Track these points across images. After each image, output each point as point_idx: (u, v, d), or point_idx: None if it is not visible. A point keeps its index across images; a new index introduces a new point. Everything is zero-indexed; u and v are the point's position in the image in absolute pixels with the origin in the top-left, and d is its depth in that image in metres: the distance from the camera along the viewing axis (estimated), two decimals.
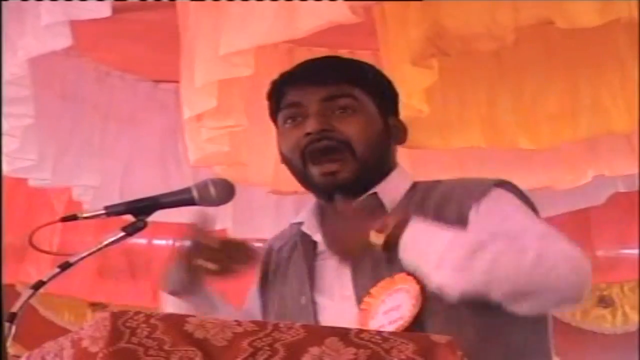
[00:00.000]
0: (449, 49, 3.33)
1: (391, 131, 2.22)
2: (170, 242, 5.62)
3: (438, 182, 2.22)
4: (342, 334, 1.74)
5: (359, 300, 2.09)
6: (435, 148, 4.04)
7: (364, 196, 2.17)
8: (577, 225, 5.22)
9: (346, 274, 2.14)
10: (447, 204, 2.11)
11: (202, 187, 2.15)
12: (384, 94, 2.25)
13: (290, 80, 2.24)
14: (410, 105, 3.35)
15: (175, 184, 4.00)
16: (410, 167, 4.15)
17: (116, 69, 4.62)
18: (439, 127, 3.94)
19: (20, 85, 3.76)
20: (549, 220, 4.76)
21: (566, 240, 2.01)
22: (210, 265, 2.15)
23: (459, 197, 2.11)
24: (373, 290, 2.07)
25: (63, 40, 3.48)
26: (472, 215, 2.08)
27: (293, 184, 2.28)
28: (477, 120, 3.97)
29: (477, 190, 2.11)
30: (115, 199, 4.45)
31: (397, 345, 1.75)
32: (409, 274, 2.02)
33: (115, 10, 3.45)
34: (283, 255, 2.30)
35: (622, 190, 4.54)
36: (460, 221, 2.07)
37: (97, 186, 4.53)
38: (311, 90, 2.19)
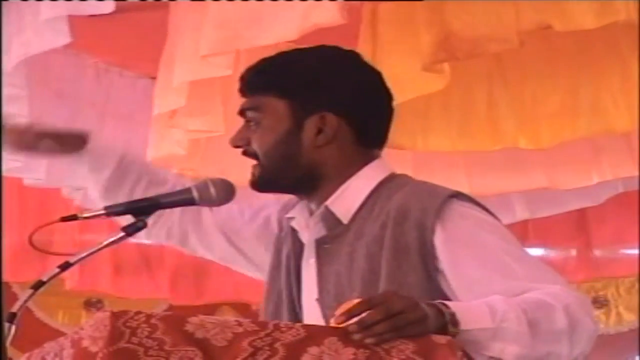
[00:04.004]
0: (458, 53, 3.31)
1: (305, 132, 2.16)
2: None
3: (401, 185, 2.16)
4: (341, 334, 1.75)
5: (324, 315, 2.10)
6: (434, 150, 4.02)
7: (321, 208, 2.17)
8: (576, 224, 5.23)
9: (315, 278, 2.17)
10: (403, 225, 2.07)
11: (202, 187, 2.15)
12: (304, 93, 2.18)
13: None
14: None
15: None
16: (414, 168, 4.16)
17: (115, 65, 4.61)
18: (439, 128, 3.93)
19: (13, 86, 3.74)
20: (549, 219, 4.79)
21: (551, 271, 2.07)
22: None
23: (415, 217, 2.06)
24: (337, 312, 2.01)
25: (62, 37, 3.46)
26: (439, 240, 2.05)
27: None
28: (477, 121, 3.96)
29: (432, 206, 2.07)
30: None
31: (397, 346, 1.75)
32: None
33: (115, 10, 3.44)
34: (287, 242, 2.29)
35: (621, 190, 4.53)
36: (423, 245, 2.05)
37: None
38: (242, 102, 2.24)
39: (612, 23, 3.23)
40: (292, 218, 2.25)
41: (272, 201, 2.40)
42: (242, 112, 2.21)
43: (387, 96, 2.24)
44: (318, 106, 2.15)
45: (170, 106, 3.54)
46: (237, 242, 2.38)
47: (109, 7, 3.33)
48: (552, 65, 3.87)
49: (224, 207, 2.30)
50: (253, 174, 2.19)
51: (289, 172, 2.17)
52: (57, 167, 4.38)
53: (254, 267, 2.40)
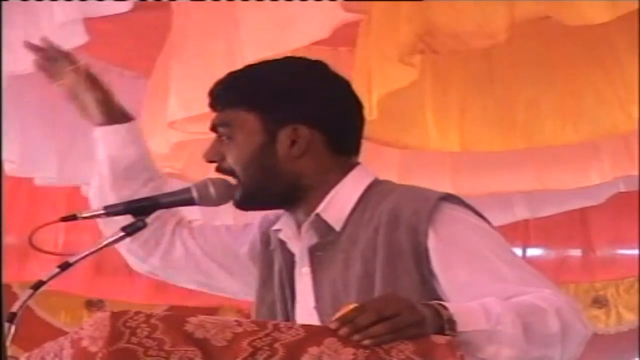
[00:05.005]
0: (439, 47, 3.30)
1: (278, 144, 2.15)
2: None
3: (391, 190, 2.17)
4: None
5: (322, 322, 2.08)
6: (420, 149, 4.01)
7: (311, 217, 2.16)
8: (576, 224, 5.23)
9: (310, 287, 2.16)
10: (396, 228, 2.07)
11: (202, 187, 2.15)
12: (273, 106, 2.17)
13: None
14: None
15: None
16: (406, 167, 4.15)
17: (115, 65, 4.61)
18: (427, 126, 3.92)
19: None
20: (549, 219, 4.78)
21: (541, 276, 2.06)
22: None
23: (408, 221, 2.07)
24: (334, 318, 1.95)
25: (78, 38, 3.45)
26: (432, 243, 2.05)
27: None
28: (452, 121, 3.95)
29: (424, 210, 2.07)
30: None
31: (397, 346, 1.76)
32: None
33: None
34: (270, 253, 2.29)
35: (623, 189, 4.53)
36: (417, 249, 2.05)
37: None
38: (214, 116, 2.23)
39: (614, 19, 3.20)
40: (278, 230, 2.24)
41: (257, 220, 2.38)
42: (213, 128, 2.21)
43: (356, 104, 2.24)
44: (289, 118, 2.16)
45: (199, 110, 3.52)
46: (226, 262, 2.36)
47: (124, 6, 3.31)
48: (549, 64, 3.86)
49: (208, 233, 2.35)
50: (234, 194, 2.18)
51: (269, 186, 2.16)
52: (69, 166, 4.40)
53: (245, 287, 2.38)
